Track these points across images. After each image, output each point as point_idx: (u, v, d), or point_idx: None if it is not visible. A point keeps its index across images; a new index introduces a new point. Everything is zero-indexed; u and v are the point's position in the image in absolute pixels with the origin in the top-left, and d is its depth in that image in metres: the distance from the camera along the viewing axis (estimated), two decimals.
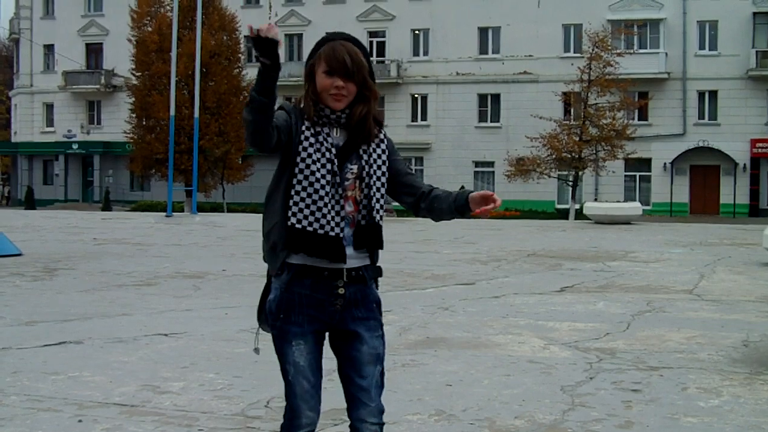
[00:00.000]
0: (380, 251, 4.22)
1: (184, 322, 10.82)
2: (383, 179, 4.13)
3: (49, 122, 73.00)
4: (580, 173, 50.46)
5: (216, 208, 53.20)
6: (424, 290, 14.16)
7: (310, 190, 3.95)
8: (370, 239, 4.11)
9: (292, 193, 3.97)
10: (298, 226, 3.95)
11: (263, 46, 3.78)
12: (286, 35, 66.54)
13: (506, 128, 61.40)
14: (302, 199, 3.95)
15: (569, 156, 48.94)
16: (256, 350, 4.34)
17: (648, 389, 7.57)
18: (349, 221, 4.05)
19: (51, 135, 71.88)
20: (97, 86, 70.40)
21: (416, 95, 63.76)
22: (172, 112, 38.97)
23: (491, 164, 61.16)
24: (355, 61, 4.02)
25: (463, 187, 4.10)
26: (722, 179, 58.29)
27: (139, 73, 54.63)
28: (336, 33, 4.18)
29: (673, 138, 58.58)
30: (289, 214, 3.96)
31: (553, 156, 49.28)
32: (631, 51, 55.58)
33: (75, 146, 70.32)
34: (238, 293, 13.44)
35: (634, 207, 37.71)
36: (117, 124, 63.01)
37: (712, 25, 58.72)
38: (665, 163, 58.64)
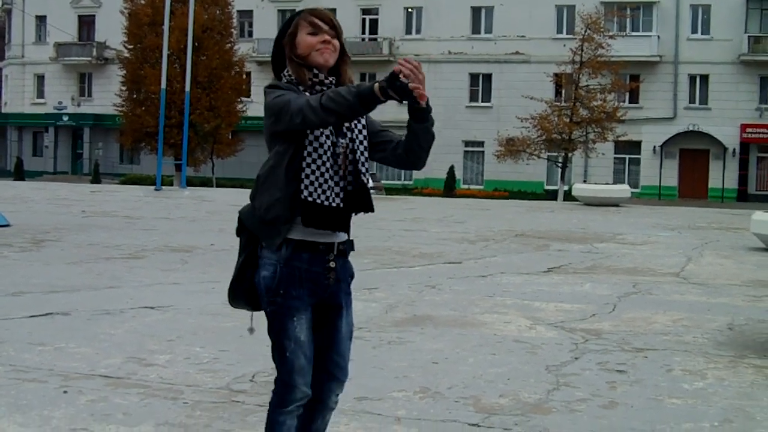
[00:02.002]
0: (352, 230, 4.25)
1: (171, 295, 10.83)
2: (365, 143, 4.15)
3: (40, 94, 72.69)
4: (570, 155, 50.49)
5: (205, 182, 53.08)
6: (412, 268, 14.18)
7: (318, 162, 3.98)
8: (359, 203, 4.13)
9: (303, 165, 3.98)
10: (310, 198, 3.96)
11: (404, 92, 3.72)
12: (279, 11, 66.33)
13: (497, 108, 61.27)
14: (312, 172, 3.97)
15: (559, 137, 49.00)
16: (251, 330, 4.41)
17: (633, 370, 7.60)
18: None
19: (41, 106, 71.58)
20: (89, 58, 70.07)
21: None
22: (164, 85, 38.87)
23: (481, 144, 61.07)
24: (336, 20, 4.16)
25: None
26: (711, 163, 58.29)
27: (131, 46, 54.36)
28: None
29: (663, 121, 58.55)
30: (302, 187, 3.96)
31: (543, 137, 49.34)
32: (624, 33, 55.51)
33: (65, 118, 70.06)
34: (226, 268, 13.30)
35: (623, 189, 37.72)
36: (108, 96, 62.66)
37: (705, 9, 58.61)
38: (655, 146, 58.63)
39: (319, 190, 3.97)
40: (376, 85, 3.72)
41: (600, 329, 9.35)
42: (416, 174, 61.02)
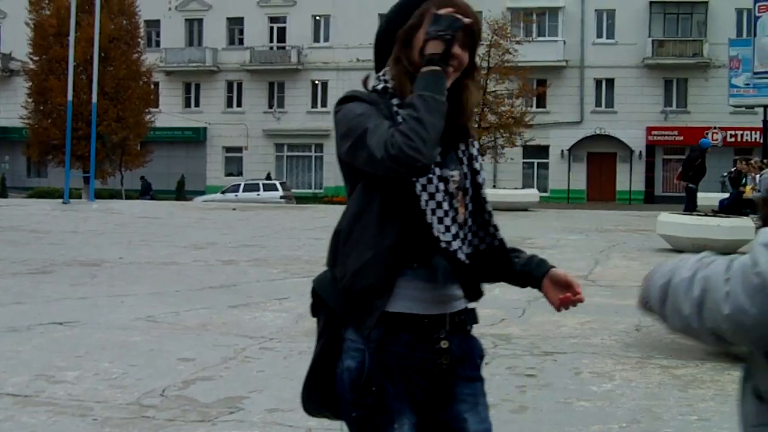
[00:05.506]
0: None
1: (79, 310, 10.69)
2: (485, 185, 3.17)
3: None
4: None
5: (114, 194, 52.49)
6: None
7: (432, 203, 2.91)
8: (493, 268, 3.16)
9: (423, 203, 2.88)
10: (443, 244, 2.91)
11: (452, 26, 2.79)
12: (186, 20, 65.95)
13: None
14: (433, 211, 2.90)
15: None
16: None
17: (542, 374, 7.67)
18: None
19: None
20: None
21: (317, 81, 63.52)
22: (70, 97, 38.38)
23: None
24: (479, 24, 3.00)
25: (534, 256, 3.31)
26: (618, 166, 59.04)
27: (37, 58, 53.70)
28: None
29: (570, 125, 59.18)
30: (438, 232, 2.89)
31: None
32: (530, 39, 56.01)
33: None
34: (135, 281, 13.32)
35: (532, 194, 38.01)
36: (14, 109, 61.68)
37: (610, 13, 59.38)
38: (563, 150, 59.24)
39: (448, 235, 2.91)
40: (425, 69, 2.80)
41: (509, 334, 9.43)
42: (327, 182, 60.96)
